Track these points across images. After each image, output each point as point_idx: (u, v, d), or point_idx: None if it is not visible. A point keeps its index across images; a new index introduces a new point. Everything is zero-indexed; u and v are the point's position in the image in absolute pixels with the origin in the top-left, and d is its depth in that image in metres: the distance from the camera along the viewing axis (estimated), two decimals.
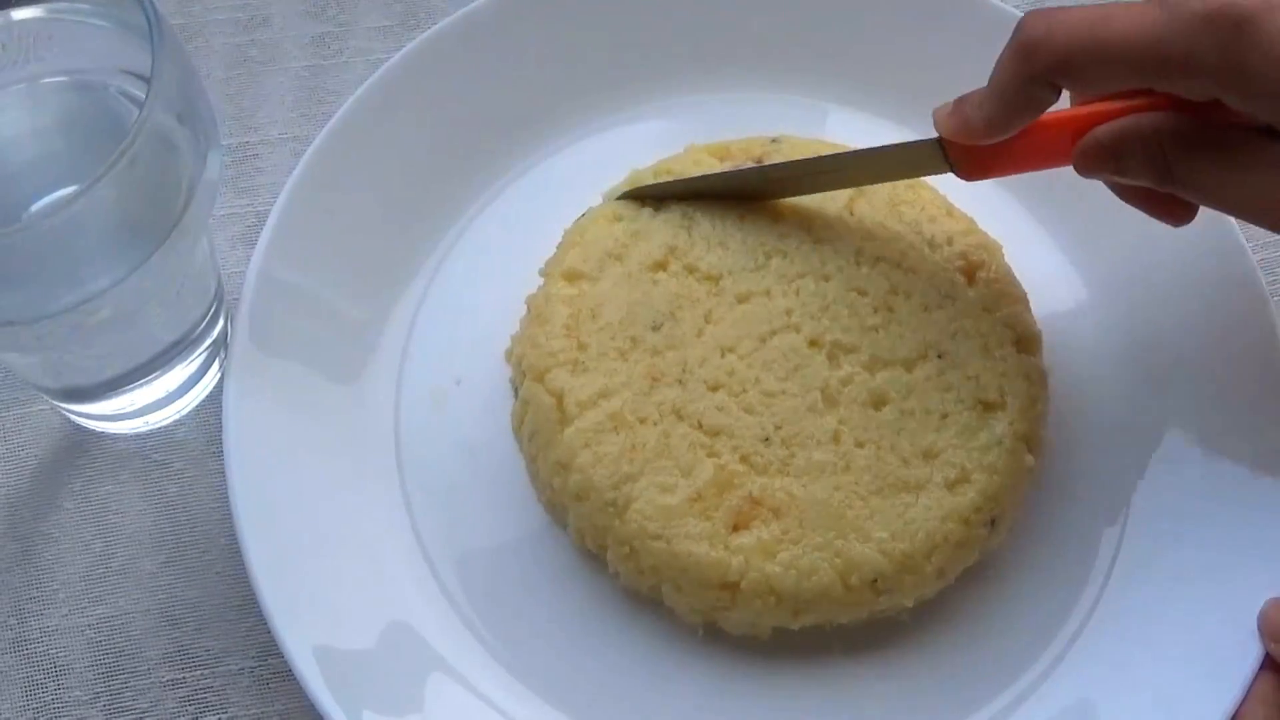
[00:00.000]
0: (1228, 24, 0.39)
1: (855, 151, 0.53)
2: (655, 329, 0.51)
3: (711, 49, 0.61)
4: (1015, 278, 0.54)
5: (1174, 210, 0.47)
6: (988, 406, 0.50)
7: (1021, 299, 0.53)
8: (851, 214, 0.54)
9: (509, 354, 0.55)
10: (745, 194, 0.54)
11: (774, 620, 0.48)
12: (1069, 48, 0.42)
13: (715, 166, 0.55)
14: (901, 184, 0.55)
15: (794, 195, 0.54)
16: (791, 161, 0.54)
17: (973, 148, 0.47)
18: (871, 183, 0.54)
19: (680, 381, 0.50)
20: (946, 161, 0.49)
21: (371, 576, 0.50)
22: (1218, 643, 0.47)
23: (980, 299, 0.52)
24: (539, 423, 0.51)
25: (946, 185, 0.53)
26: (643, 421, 0.49)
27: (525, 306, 0.54)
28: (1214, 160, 0.43)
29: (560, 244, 0.55)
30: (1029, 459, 0.50)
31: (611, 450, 0.49)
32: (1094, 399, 0.55)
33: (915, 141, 0.50)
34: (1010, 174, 0.50)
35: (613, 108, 0.61)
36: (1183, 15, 0.40)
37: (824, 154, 0.54)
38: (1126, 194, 0.48)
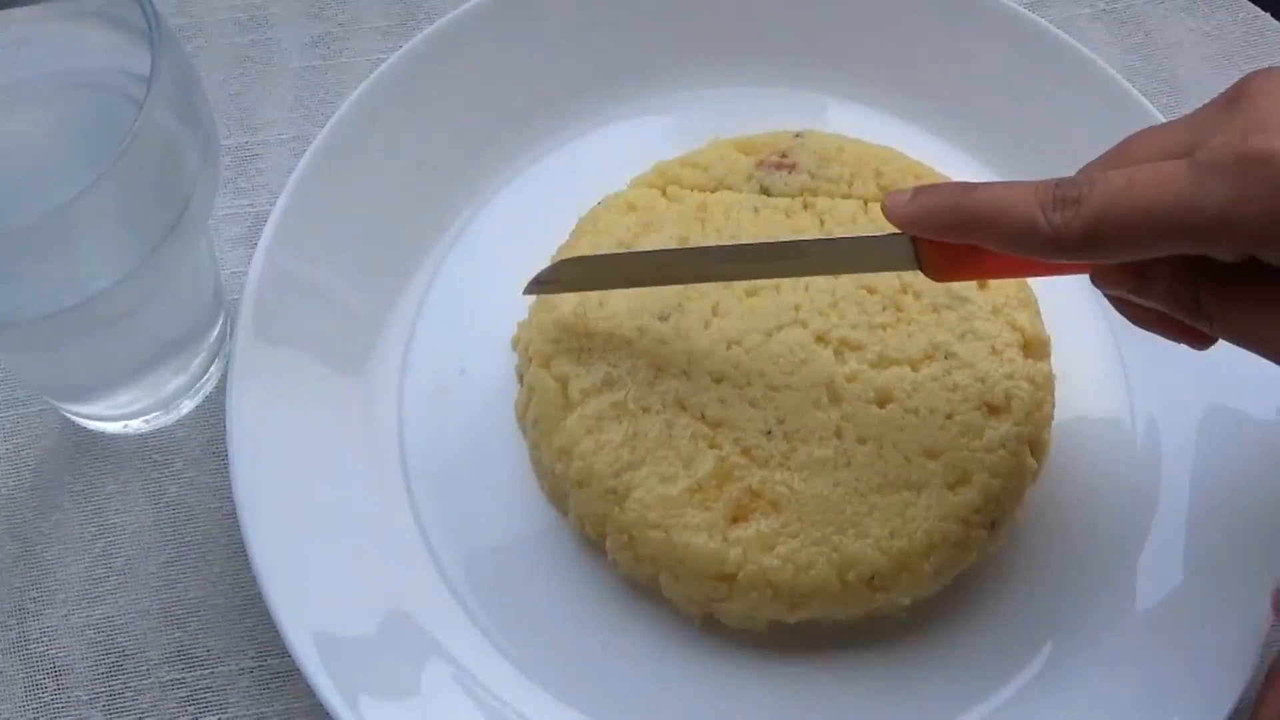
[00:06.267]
0: (1262, 171, 0.35)
1: (819, 240, 0.50)
2: (662, 319, 0.51)
3: (722, 43, 0.61)
4: (1027, 282, 0.54)
5: (1192, 336, 0.43)
6: (993, 409, 0.50)
7: (1032, 304, 0.53)
8: (866, 211, 0.54)
9: (515, 341, 0.55)
10: (689, 278, 0.51)
11: (770, 614, 0.48)
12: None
13: (740, 161, 0.56)
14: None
15: (743, 279, 0.51)
16: (748, 245, 0.51)
17: (946, 247, 0.43)
18: (833, 273, 0.51)
19: (685, 372, 0.50)
20: (915, 259, 0.45)
21: (372, 564, 0.50)
22: (1217, 650, 0.47)
23: (990, 302, 0.52)
24: (543, 409, 0.51)
25: None
26: (645, 411, 0.49)
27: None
28: (1247, 299, 0.39)
29: (573, 232, 0.56)
30: (1031, 463, 0.50)
31: (613, 438, 0.49)
32: (1099, 405, 0.54)
33: (884, 235, 0.45)
34: (986, 278, 0.48)
35: (620, 102, 0.61)
36: (1212, 167, 0.36)
37: (784, 240, 0.52)
38: (1139, 316, 0.44)
